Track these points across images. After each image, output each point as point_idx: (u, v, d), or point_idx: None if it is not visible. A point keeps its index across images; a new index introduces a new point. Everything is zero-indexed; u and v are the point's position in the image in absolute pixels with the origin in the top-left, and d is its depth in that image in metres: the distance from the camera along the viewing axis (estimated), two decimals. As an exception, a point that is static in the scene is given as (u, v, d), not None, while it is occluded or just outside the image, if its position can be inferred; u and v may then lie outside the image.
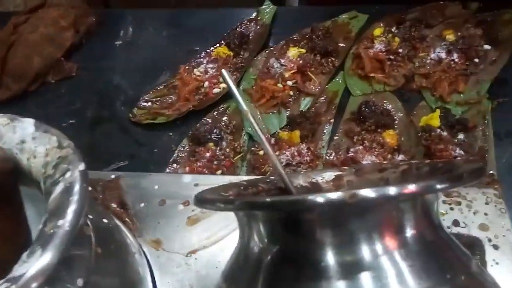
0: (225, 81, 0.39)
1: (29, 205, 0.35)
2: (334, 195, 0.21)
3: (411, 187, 0.21)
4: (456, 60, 0.66)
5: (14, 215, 0.33)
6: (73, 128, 0.68)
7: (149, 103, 0.70)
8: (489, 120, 0.59)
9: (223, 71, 0.39)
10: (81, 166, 0.29)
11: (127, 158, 0.64)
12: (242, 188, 0.36)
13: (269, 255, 0.25)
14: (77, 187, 0.28)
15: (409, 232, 0.24)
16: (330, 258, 0.23)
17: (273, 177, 0.40)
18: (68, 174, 0.29)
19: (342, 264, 0.23)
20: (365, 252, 0.23)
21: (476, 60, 0.66)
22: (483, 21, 0.70)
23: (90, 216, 0.35)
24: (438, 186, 0.22)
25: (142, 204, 0.45)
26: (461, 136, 0.58)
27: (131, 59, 0.77)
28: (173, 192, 0.46)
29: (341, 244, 0.23)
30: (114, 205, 0.41)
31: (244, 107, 0.38)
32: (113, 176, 0.47)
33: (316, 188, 0.39)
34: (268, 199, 0.23)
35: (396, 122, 0.62)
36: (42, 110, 0.70)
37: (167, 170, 0.62)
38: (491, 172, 0.55)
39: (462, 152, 0.56)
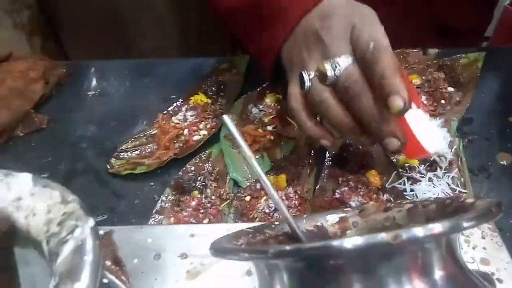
0: (227, 128, 0.39)
1: (22, 269, 0.32)
2: (377, 237, 0.21)
3: (453, 224, 0.21)
4: (425, 102, 0.70)
5: (8, 282, 0.30)
6: (45, 183, 0.65)
7: (128, 153, 0.68)
8: (463, 157, 0.63)
9: (225, 117, 0.39)
10: (91, 222, 0.27)
11: (106, 212, 0.61)
12: (250, 235, 0.36)
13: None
14: (89, 245, 0.26)
15: (438, 274, 0.24)
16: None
17: (277, 223, 0.39)
18: (77, 232, 0.27)
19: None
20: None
21: (443, 101, 0.70)
22: (444, 66, 0.75)
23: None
24: (467, 224, 0.23)
25: (136, 260, 0.42)
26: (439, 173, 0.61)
27: (105, 110, 0.75)
28: (168, 245, 0.44)
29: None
30: (108, 263, 0.38)
31: (248, 152, 0.38)
32: (102, 232, 0.44)
33: (322, 231, 0.38)
34: (306, 246, 0.22)
35: (377, 163, 0.64)
36: (11, 164, 0.66)
37: (150, 222, 0.59)
38: (472, 206, 0.57)
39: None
